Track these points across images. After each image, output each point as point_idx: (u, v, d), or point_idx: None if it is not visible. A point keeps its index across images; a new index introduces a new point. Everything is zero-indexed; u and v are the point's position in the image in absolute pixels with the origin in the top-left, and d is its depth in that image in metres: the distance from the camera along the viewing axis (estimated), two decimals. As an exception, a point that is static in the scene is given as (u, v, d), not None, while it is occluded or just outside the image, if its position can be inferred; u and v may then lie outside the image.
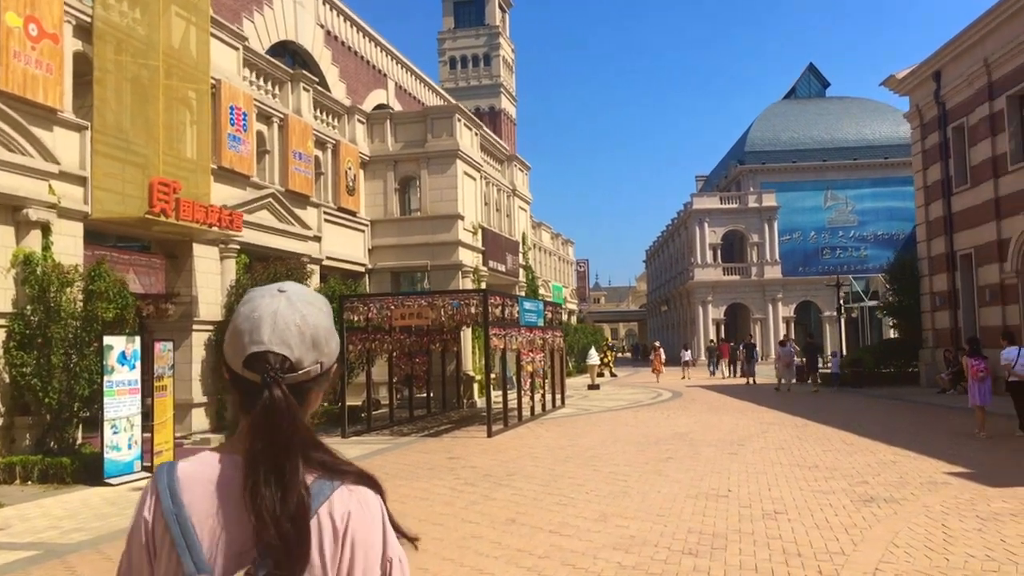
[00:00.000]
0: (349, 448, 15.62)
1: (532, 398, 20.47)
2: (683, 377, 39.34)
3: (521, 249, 33.52)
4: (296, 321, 1.50)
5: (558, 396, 23.53)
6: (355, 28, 34.74)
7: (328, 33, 32.41)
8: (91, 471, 12.25)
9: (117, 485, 12.02)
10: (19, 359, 12.72)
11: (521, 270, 32.96)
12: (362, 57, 35.76)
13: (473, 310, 17.51)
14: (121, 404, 12.57)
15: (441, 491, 10.59)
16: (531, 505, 9.40)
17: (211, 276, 18.09)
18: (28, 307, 12.98)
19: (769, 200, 58.41)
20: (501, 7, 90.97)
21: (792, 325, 57.43)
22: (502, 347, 17.87)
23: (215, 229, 16.53)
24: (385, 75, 38.00)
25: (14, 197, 12.95)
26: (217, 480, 1.46)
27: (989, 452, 12.71)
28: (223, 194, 18.17)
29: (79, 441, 13.74)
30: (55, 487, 11.90)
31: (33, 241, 13.37)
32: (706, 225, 58.98)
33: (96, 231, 16.19)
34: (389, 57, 38.63)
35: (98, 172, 14.70)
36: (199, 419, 17.63)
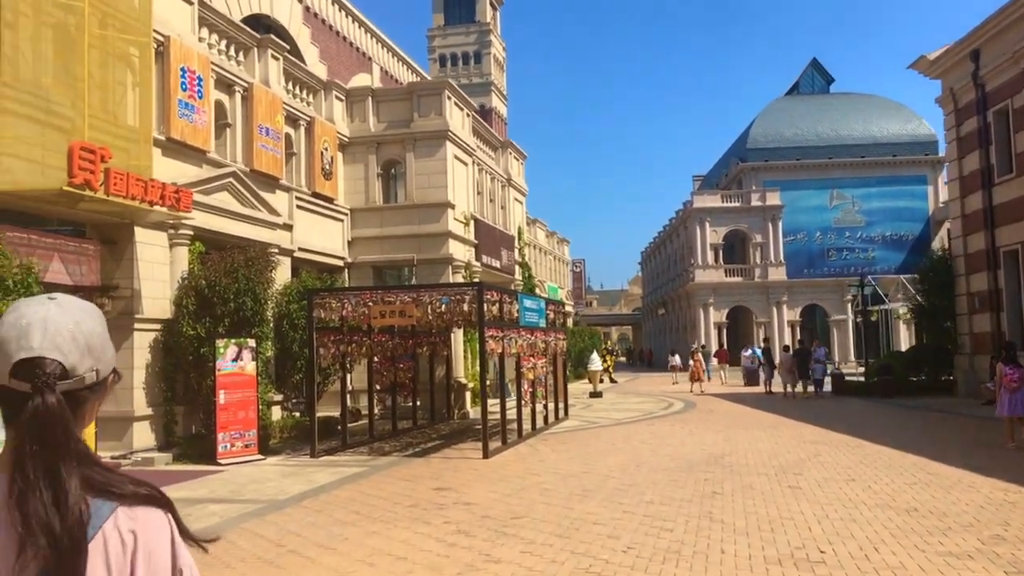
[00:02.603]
0: (317, 472, 12.90)
1: (533, 409, 17.81)
2: (673, 383, 37.99)
3: (517, 244, 30.83)
4: (69, 327, 1.46)
5: (560, 406, 20.86)
6: (337, 6, 32.01)
7: (307, 10, 29.66)
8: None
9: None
10: None
11: (517, 267, 30.27)
12: (344, 38, 33.03)
13: (466, 307, 14.84)
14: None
15: (426, 545, 7.90)
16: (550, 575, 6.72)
17: (157, 266, 15.36)
18: (-95, 299, 10.24)
19: (773, 199, 55.94)
20: (492, 4, 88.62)
21: (797, 329, 54.92)
22: (499, 351, 15.17)
23: (158, 208, 13.77)
24: (370, 58, 35.28)
25: None
26: None
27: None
28: (173, 171, 15.45)
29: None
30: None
31: (-87, 216, 10.63)
32: (707, 225, 56.45)
33: (28, 213, 13.46)
34: (374, 40, 35.92)
35: (7, 135, 11.94)
36: (143, 435, 14.88)
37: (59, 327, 1.44)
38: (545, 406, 19.01)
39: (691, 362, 32.80)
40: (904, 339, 47.56)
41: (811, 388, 28.37)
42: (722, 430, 17.61)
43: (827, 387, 29.29)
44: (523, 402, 16.78)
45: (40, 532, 1.29)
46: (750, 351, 38.09)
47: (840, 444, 14.62)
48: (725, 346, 50.96)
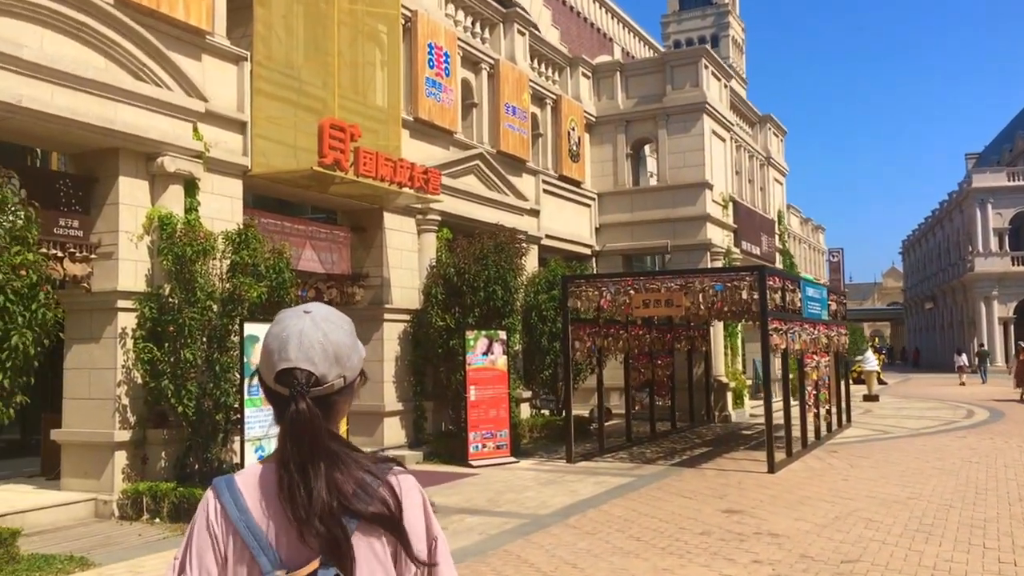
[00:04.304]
0: (577, 480, 11.40)
1: (817, 415, 15.32)
2: (960, 384, 34.36)
3: (777, 229, 27.94)
4: (319, 339, 1.65)
5: (843, 411, 18.09)
6: (577, -15, 30.73)
7: (548, -9, 28.61)
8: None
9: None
10: (147, 353, 9.62)
11: (778, 255, 27.40)
12: (585, 19, 31.72)
13: (744, 295, 12.73)
14: (270, 417, 9.11)
15: (742, 596, 6.05)
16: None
17: (406, 254, 14.62)
18: (165, 285, 9.89)
19: (1074, 174, 48.02)
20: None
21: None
22: (783, 346, 12.92)
23: (407, 191, 12.90)
24: (611, 39, 33.73)
25: (145, 141, 9.88)
26: (268, 487, 1.61)
27: None
28: (420, 153, 14.61)
29: (234, 461, 10.48)
30: (185, 532, 8.59)
31: (172, 200, 10.28)
32: (989, 207, 49.49)
33: (284, 200, 13.21)
34: (614, 19, 34.33)
35: (260, 116, 11.50)
36: (393, 431, 14.18)
37: (312, 340, 1.64)
38: (828, 411, 16.42)
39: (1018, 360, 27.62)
40: None
41: None
42: (1066, 448, 14.18)
43: None
44: (808, 407, 14.37)
45: (307, 521, 1.53)
46: None
47: None
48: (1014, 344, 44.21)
